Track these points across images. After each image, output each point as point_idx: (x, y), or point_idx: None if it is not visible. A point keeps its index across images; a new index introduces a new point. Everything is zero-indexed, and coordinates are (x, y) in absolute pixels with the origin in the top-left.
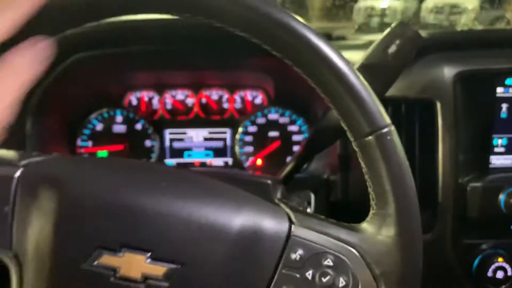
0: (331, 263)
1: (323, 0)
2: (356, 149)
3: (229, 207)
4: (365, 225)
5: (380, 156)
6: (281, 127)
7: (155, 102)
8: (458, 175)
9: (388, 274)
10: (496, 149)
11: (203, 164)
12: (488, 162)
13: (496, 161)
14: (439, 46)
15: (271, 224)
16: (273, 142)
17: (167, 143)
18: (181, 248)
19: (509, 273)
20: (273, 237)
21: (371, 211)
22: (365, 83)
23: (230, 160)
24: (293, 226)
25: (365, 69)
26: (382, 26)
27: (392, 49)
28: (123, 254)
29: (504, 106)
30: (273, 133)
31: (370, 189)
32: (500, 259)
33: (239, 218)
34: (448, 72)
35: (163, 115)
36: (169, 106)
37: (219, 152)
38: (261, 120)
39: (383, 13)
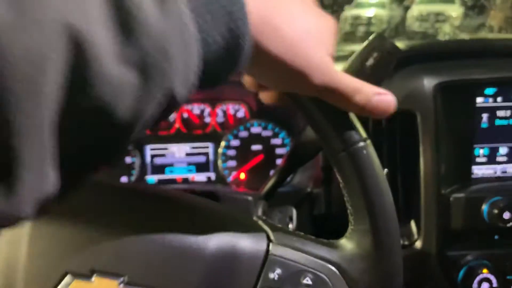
0: (310, 282)
1: None
2: (333, 165)
3: (204, 227)
4: (343, 241)
5: (355, 171)
6: (264, 141)
7: None
8: (441, 186)
9: None
10: (478, 159)
11: (185, 180)
12: (470, 173)
13: (478, 171)
14: (418, 57)
15: (248, 243)
16: (256, 156)
17: (148, 159)
18: (155, 272)
19: (494, 285)
20: (251, 257)
21: (350, 227)
22: None
23: (213, 175)
24: (271, 244)
25: None
26: (368, 35)
27: (370, 62)
28: (95, 280)
29: (485, 116)
30: (256, 147)
31: (348, 205)
32: (485, 271)
33: (214, 239)
34: (428, 83)
35: (143, 131)
36: None
37: (201, 167)
38: (243, 134)
39: (369, 22)
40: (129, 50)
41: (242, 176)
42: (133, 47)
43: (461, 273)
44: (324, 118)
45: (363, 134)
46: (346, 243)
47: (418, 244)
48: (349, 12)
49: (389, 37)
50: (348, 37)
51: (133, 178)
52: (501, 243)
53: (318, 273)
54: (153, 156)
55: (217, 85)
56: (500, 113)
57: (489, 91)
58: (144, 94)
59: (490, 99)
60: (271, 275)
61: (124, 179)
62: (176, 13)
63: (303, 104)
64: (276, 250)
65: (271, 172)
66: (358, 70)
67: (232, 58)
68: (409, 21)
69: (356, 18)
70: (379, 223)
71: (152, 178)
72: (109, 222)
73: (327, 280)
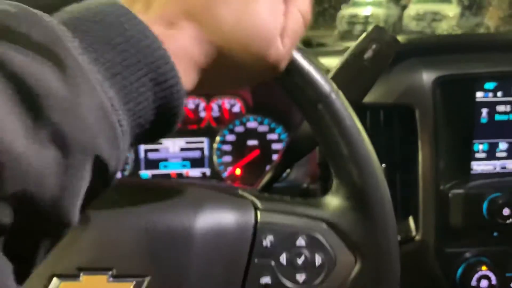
0: (303, 243)
1: None
2: (309, 120)
3: (187, 209)
4: (329, 198)
5: (331, 122)
6: (260, 136)
7: None
8: (440, 182)
9: (362, 244)
10: (477, 155)
11: (179, 175)
12: (469, 168)
13: (478, 167)
14: (417, 51)
15: (234, 216)
16: (252, 151)
17: (141, 154)
18: (143, 260)
19: (493, 282)
20: (240, 228)
21: (334, 181)
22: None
23: (208, 171)
24: (259, 212)
25: (342, 74)
26: None
27: (369, 54)
28: (82, 278)
29: (484, 111)
30: (252, 142)
31: (329, 162)
32: (484, 268)
33: (199, 217)
34: (427, 77)
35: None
36: None
37: (196, 163)
38: (239, 129)
39: (366, 20)
40: (40, 128)
41: (238, 171)
42: (43, 125)
43: (460, 270)
44: (293, 76)
45: (334, 85)
46: (333, 199)
47: (417, 240)
48: (346, 10)
49: None
50: (345, 35)
51: (126, 173)
52: (500, 240)
53: (310, 232)
54: (147, 151)
55: (168, 134)
56: (500, 108)
57: (489, 85)
58: (67, 167)
59: (490, 94)
60: (264, 243)
61: (117, 174)
62: (84, 82)
63: None
64: (265, 217)
65: (267, 168)
66: (356, 62)
67: (168, 112)
68: (406, 20)
69: (353, 16)
70: (363, 172)
71: (146, 173)
72: (89, 217)
73: (321, 238)
